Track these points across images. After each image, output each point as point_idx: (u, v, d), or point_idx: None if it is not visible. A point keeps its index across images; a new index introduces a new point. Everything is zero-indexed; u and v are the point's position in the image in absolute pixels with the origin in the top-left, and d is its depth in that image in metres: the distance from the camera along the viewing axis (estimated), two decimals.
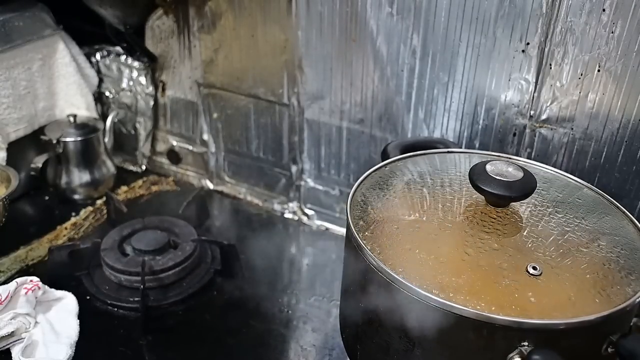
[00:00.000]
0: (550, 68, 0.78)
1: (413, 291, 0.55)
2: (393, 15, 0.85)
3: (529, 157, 0.83)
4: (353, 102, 0.95)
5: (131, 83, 1.17)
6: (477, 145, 0.88)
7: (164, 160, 1.23)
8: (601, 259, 0.60)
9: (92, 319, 0.84)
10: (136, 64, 1.14)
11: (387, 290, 0.58)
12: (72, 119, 1.09)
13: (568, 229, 0.63)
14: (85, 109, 1.15)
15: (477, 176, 0.63)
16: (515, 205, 0.65)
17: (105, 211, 1.08)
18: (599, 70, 0.75)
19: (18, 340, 0.77)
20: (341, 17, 0.89)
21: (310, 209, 1.10)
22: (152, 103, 1.17)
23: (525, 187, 0.62)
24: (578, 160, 0.81)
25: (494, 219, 0.63)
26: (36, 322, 0.79)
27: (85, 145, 1.09)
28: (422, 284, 0.56)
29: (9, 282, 0.80)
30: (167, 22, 1.07)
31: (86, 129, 1.10)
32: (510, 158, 0.76)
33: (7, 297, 0.78)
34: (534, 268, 0.57)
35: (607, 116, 0.77)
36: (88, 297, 0.88)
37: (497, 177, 0.62)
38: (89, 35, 1.15)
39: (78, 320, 0.81)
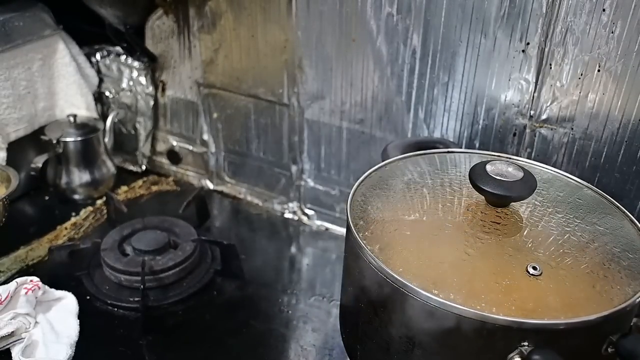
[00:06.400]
0: (550, 68, 0.78)
1: (413, 291, 0.55)
2: (393, 15, 0.85)
3: (529, 157, 0.83)
4: (353, 102, 0.95)
5: (131, 83, 1.17)
6: (477, 145, 0.88)
7: (164, 160, 1.23)
8: (601, 259, 0.60)
9: (92, 319, 0.84)
10: (136, 64, 1.14)
11: (387, 290, 0.58)
12: (72, 119, 1.09)
13: (568, 229, 0.63)
14: (85, 109, 1.15)
15: (477, 176, 0.63)
16: (515, 205, 0.65)
17: (105, 211, 1.08)
18: (599, 70, 0.75)
19: (18, 340, 0.77)
20: (341, 17, 0.89)
21: (310, 209, 1.10)
22: (152, 103, 1.17)
23: (525, 187, 0.62)
24: (578, 160, 0.81)
25: (494, 219, 0.63)
26: (36, 322, 0.79)
27: (85, 145, 1.09)
28: (422, 284, 0.56)
29: (9, 282, 0.80)
30: (167, 22, 1.07)
31: (86, 129, 1.10)
32: (510, 158, 0.76)
33: (7, 297, 0.78)
34: (534, 268, 0.57)
35: (607, 116, 0.77)
36: (88, 297, 0.88)
37: (497, 177, 0.62)
38: (89, 35, 1.15)
39: (78, 320, 0.81)
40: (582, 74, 0.76)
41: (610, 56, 0.73)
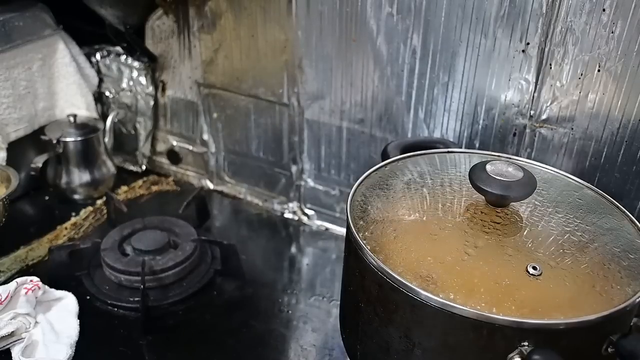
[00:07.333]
0: (550, 68, 0.78)
1: (413, 291, 0.55)
2: (393, 15, 0.85)
3: (529, 157, 0.83)
4: (353, 102, 0.95)
5: (131, 83, 1.17)
6: (477, 145, 0.88)
7: (164, 160, 1.23)
8: (601, 259, 0.60)
9: (92, 319, 0.84)
10: (136, 64, 1.14)
11: (387, 290, 0.58)
12: (72, 119, 1.09)
13: (568, 229, 0.63)
14: (85, 109, 1.15)
15: (477, 176, 0.63)
16: (515, 205, 0.65)
17: (105, 211, 1.08)
18: (599, 70, 0.75)
19: (18, 340, 0.77)
20: (341, 17, 0.89)
21: (310, 209, 1.10)
22: (152, 103, 1.17)
23: (525, 187, 0.62)
24: (578, 160, 0.81)
25: (494, 219, 0.63)
26: (36, 322, 0.79)
27: (85, 145, 1.09)
28: (422, 284, 0.56)
29: (9, 282, 0.80)
30: (167, 22, 1.07)
31: (86, 129, 1.10)
32: (510, 158, 0.76)
33: (7, 297, 0.78)
34: (534, 268, 0.57)
35: (607, 116, 0.77)
36: (88, 297, 0.88)
37: (497, 177, 0.62)
38: (89, 35, 1.15)
39: (78, 320, 0.81)
40: (582, 74, 0.76)
41: (610, 56, 0.73)
